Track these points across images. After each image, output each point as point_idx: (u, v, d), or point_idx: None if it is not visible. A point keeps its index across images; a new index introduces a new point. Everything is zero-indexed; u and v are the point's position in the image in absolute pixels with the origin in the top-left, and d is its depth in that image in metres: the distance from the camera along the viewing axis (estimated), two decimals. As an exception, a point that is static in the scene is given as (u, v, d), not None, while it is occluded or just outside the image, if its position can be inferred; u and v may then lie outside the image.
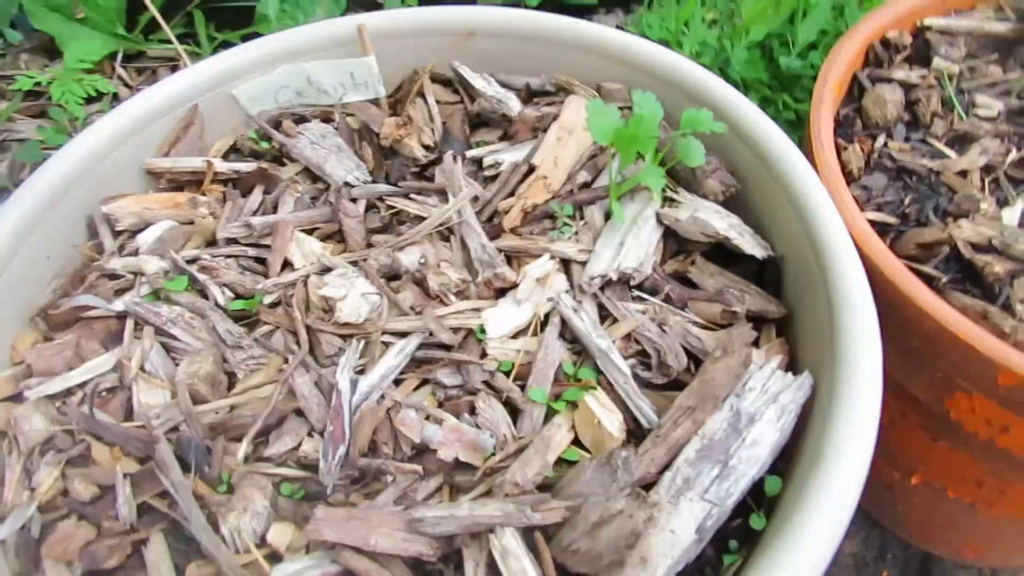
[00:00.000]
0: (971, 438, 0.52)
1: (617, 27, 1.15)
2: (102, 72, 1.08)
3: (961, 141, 0.61)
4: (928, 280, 0.53)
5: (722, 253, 0.57)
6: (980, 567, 0.78)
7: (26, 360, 0.53)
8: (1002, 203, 0.57)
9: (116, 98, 1.07)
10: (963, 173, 0.58)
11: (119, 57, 1.14)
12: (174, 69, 1.18)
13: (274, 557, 0.46)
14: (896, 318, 0.50)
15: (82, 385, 0.53)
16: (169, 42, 1.13)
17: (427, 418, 0.50)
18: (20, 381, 0.53)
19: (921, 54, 0.67)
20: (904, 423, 0.60)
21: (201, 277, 0.57)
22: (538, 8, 1.16)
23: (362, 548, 0.44)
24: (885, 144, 0.61)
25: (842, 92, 0.65)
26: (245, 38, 1.16)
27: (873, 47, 0.66)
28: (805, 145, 0.60)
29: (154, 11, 0.99)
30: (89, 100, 0.99)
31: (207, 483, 0.49)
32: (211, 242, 0.61)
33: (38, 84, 0.87)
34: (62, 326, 0.56)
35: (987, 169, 0.58)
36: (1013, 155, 0.58)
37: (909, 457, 0.64)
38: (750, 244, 0.55)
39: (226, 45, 1.18)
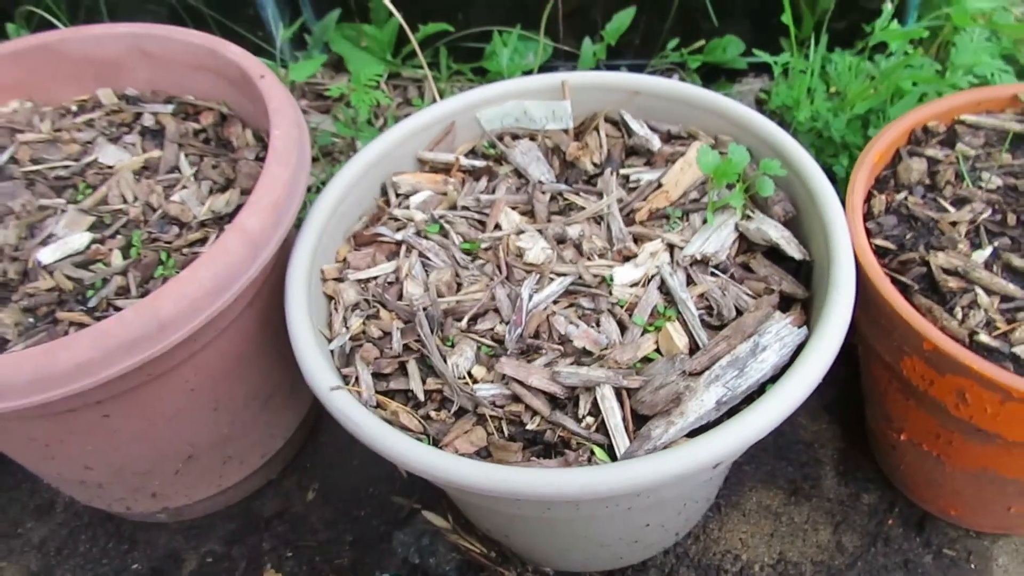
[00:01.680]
0: (918, 392, 0.79)
1: (760, 90, 1.45)
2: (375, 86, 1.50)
3: (961, 202, 0.87)
4: (904, 286, 0.81)
5: (775, 253, 0.88)
6: (967, 528, 1.02)
7: (347, 259, 0.92)
8: (975, 246, 0.83)
9: (377, 105, 1.49)
10: (954, 223, 0.85)
11: (384, 76, 1.57)
12: (419, 87, 1.60)
13: (474, 381, 0.81)
14: (874, 303, 0.79)
15: (375, 277, 0.91)
16: (420, 67, 1.54)
17: (570, 323, 0.83)
18: (342, 271, 0.92)
19: (950, 139, 0.93)
20: (891, 390, 0.88)
21: (446, 226, 0.94)
22: (700, 68, 1.48)
23: (523, 382, 0.78)
24: (905, 198, 0.88)
25: (886, 160, 0.93)
26: (474, 70, 1.56)
27: (915, 131, 0.94)
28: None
29: (416, 45, 1.38)
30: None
31: (441, 339, 0.85)
32: (453, 207, 0.98)
33: (343, 93, 1.28)
34: (365, 244, 0.95)
35: (972, 222, 0.85)
36: (991, 215, 0.84)
37: (898, 418, 0.90)
38: (793, 249, 0.85)
39: (459, 74, 1.58)
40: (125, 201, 0.95)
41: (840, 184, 1.07)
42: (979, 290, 0.78)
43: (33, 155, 1.00)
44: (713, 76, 1.51)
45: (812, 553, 1.02)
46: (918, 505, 1.03)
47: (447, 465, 0.69)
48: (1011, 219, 0.84)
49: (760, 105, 1.42)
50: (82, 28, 1.06)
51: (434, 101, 1.04)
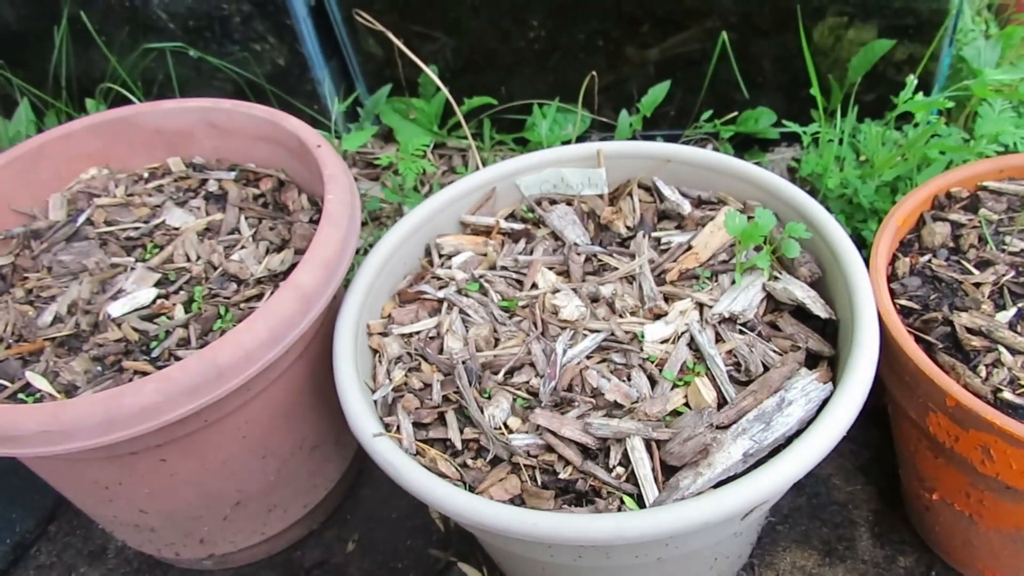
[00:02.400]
0: (944, 449, 0.81)
1: (792, 159, 1.50)
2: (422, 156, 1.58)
3: (985, 264, 0.90)
4: (928, 344, 0.83)
5: (802, 313, 0.91)
6: (1006, 593, 1.00)
7: (391, 315, 0.98)
8: (999, 307, 0.85)
9: (424, 173, 1.57)
10: (977, 284, 0.87)
11: (431, 146, 1.65)
12: (463, 157, 1.68)
13: (509, 431, 0.84)
14: (899, 361, 0.81)
15: (418, 332, 0.96)
16: (465, 138, 1.62)
17: (602, 377, 0.87)
18: (387, 326, 0.97)
19: (973, 204, 0.96)
20: (920, 448, 0.89)
21: (486, 284, 0.99)
22: (733, 138, 1.54)
23: (556, 433, 0.82)
24: (929, 260, 0.91)
25: (910, 224, 0.96)
26: (516, 140, 1.64)
27: (938, 196, 0.97)
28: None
29: (461, 118, 1.45)
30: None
31: (478, 391, 0.89)
32: (493, 267, 1.03)
33: (391, 162, 1.36)
34: (409, 301, 1.00)
35: (996, 284, 0.87)
36: (1014, 276, 0.87)
37: (929, 477, 0.91)
38: (819, 308, 0.88)
39: (501, 144, 1.66)
40: (189, 260, 1.03)
41: (868, 248, 1.10)
42: (1003, 349, 0.80)
43: (107, 217, 1.09)
44: (746, 146, 1.56)
45: (847, 615, 1.01)
46: (955, 569, 1.02)
47: (481, 509, 0.72)
48: (1034, 281, 0.87)
49: (792, 173, 1.46)
50: (156, 103, 1.16)
51: (477, 169, 1.11)
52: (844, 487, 1.15)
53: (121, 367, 0.91)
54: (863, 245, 1.18)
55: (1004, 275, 0.88)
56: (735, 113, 1.50)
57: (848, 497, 1.14)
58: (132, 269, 1.01)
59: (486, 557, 1.10)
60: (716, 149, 1.53)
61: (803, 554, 1.08)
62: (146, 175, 1.17)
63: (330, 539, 1.19)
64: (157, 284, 1.00)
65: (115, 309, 0.96)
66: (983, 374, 0.79)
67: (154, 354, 0.92)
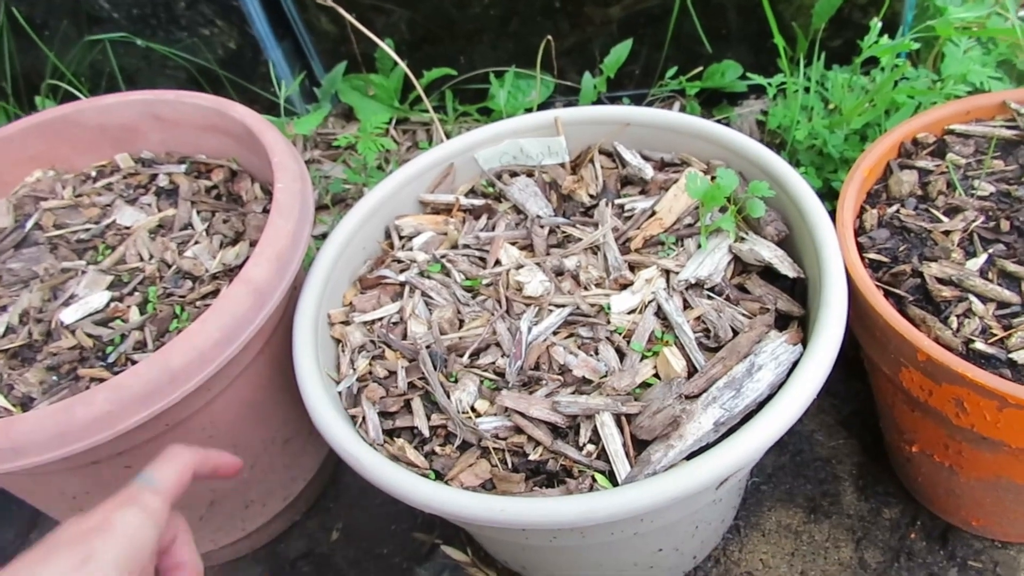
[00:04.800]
0: (919, 403, 0.79)
1: (761, 111, 1.47)
2: (383, 133, 1.55)
3: (954, 211, 0.88)
4: (899, 298, 0.81)
5: (771, 273, 0.88)
6: (992, 539, 1.00)
7: (353, 303, 0.95)
8: (970, 255, 0.83)
9: (387, 151, 1.53)
10: (947, 232, 0.85)
11: (393, 122, 1.61)
12: (427, 131, 1.64)
13: (477, 415, 0.83)
14: (868, 317, 0.79)
15: (381, 319, 0.93)
16: (427, 111, 1.59)
17: (570, 353, 0.85)
18: (348, 314, 0.95)
19: (940, 150, 0.94)
20: (897, 402, 0.87)
21: (448, 265, 0.96)
22: (701, 94, 1.50)
23: (525, 414, 0.80)
24: (897, 210, 0.89)
25: (877, 174, 0.94)
26: (480, 110, 1.60)
27: (904, 144, 0.94)
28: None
29: (421, 91, 1.41)
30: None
31: (444, 375, 0.87)
32: (454, 246, 1.00)
33: (350, 143, 1.33)
34: (370, 286, 0.98)
35: (966, 231, 0.85)
36: (984, 222, 0.85)
37: (908, 430, 0.90)
38: (787, 268, 0.86)
39: (465, 115, 1.62)
40: (141, 259, 1.00)
41: (838, 200, 1.08)
42: (973, 298, 0.78)
43: (56, 220, 1.05)
44: (715, 100, 1.53)
45: (834, 571, 1.01)
46: (940, 517, 1.02)
47: (447, 498, 0.70)
48: (1004, 225, 0.84)
49: (761, 126, 1.43)
50: (97, 99, 1.12)
51: (441, 143, 1.07)
52: (827, 442, 1.14)
53: (77, 375, 0.88)
54: (836, 197, 1.15)
55: (973, 221, 0.86)
56: (700, 68, 1.46)
57: (831, 452, 1.13)
58: (84, 273, 0.98)
59: (470, 539, 1.09)
60: (683, 107, 1.49)
61: (788, 512, 1.07)
62: (94, 174, 1.14)
63: (313, 529, 1.17)
64: (110, 287, 0.97)
65: (68, 316, 0.93)
66: (954, 325, 0.77)
67: (110, 359, 0.89)
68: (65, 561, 0.53)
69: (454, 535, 1.10)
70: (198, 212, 1.05)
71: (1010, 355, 0.74)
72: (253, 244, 0.99)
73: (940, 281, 0.81)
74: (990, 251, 0.83)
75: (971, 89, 1.08)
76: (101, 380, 0.86)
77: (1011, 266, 0.80)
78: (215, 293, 0.94)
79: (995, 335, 0.76)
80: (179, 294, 0.95)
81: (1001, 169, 0.90)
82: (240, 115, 1.04)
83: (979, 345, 0.75)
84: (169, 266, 0.98)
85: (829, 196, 1.17)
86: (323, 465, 1.17)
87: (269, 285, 0.85)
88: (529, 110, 1.46)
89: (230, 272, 0.97)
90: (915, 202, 0.90)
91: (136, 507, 0.59)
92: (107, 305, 0.95)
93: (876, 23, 1.11)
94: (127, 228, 1.04)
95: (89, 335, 0.91)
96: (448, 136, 1.53)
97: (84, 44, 1.50)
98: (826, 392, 1.19)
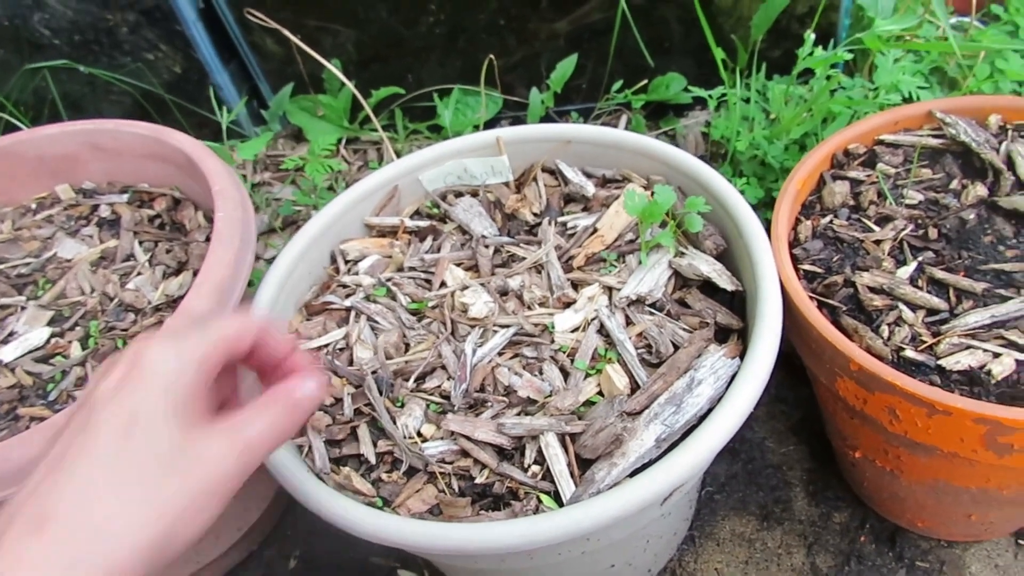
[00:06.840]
0: (856, 411, 0.81)
1: (706, 122, 1.49)
2: (332, 153, 1.54)
3: (885, 220, 0.90)
4: (832, 308, 0.83)
5: (710, 286, 0.90)
6: (937, 539, 1.02)
7: (298, 330, 0.95)
8: (900, 263, 0.85)
9: (338, 172, 1.53)
10: (877, 241, 0.87)
11: (343, 142, 1.61)
12: (378, 150, 1.64)
13: (423, 440, 0.83)
14: (803, 328, 0.81)
15: (326, 345, 0.93)
16: (376, 131, 1.59)
17: (514, 373, 0.85)
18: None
19: (871, 160, 0.96)
20: (838, 410, 0.89)
21: (393, 288, 0.97)
22: (647, 106, 1.52)
23: (470, 437, 0.80)
24: (830, 221, 0.91)
25: (810, 185, 0.95)
26: (430, 128, 1.60)
27: (836, 154, 0.96)
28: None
29: (369, 111, 1.41)
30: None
31: (390, 400, 0.87)
32: (400, 268, 1.00)
33: (298, 165, 1.32)
34: (316, 313, 0.97)
35: (896, 239, 0.87)
36: (914, 230, 0.87)
37: (850, 436, 0.92)
38: (725, 281, 0.88)
39: (416, 133, 1.62)
40: (83, 293, 0.99)
41: (779, 210, 1.10)
42: (903, 306, 0.80)
43: (-5, 256, 1.04)
44: (661, 113, 1.55)
45: (787, 577, 1.02)
46: (888, 520, 1.04)
47: (388, 526, 0.71)
48: (933, 232, 0.86)
49: (706, 138, 1.45)
50: (36, 130, 1.11)
51: (391, 162, 1.07)
52: (778, 449, 1.16)
53: (16, 415, 0.87)
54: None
55: (903, 229, 0.88)
56: (644, 82, 1.48)
57: (782, 459, 1.14)
58: (23, 309, 0.97)
59: (427, 562, 1.08)
60: (629, 120, 1.51)
61: (742, 521, 1.09)
62: (34, 206, 1.12)
63: (271, 558, 1.17)
64: (51, 322, 0.96)
65: (7, 353, 0.92)
66: (885, 334, 0.79)
67: (51, 397, 0.88)
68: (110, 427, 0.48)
69: (411, 559, 1.10)
70: (140, 242, 1.04)
71: (939, 361, 0.76)
72: (196, 273, 0.98)
73: (872, 290, 0.83)
74: (919, 259, 0.85)
75: (904, 98, 1.11)
76: (42, 419, 0.85)
77: (940, 273, 0.82)
78: (158, 325, 0.94)
79: (924, 342, 0.78)
80: (121, 327, 0.94)
81: (929, 177, 0.92)
82: (179, 143, 1.03)
83: (909, 353, 0.77)
84: (111, 299, 0.97)
85: (771, 206, 1.19)
86: (278, 493, 1.16)
87: (210, 317, 0.85)
88: (477, 127, 1.47)
89: (173, 304, 0.96)
90: (848, 212, 0.92)
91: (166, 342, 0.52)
92: (47, 341, 0.93)
93: (810, 35, 1.13)
94: (68, 261, 1.03)
95: (29, 372, 0.90)
96: (399, 155, 1.53)
97: (24, 72, 1.48)
98: (776, 399, 1.21)
